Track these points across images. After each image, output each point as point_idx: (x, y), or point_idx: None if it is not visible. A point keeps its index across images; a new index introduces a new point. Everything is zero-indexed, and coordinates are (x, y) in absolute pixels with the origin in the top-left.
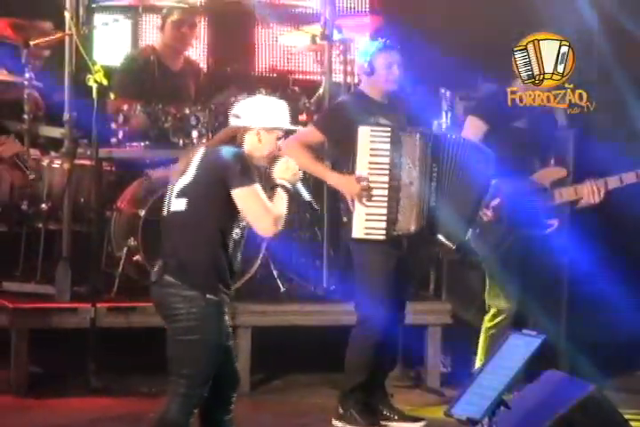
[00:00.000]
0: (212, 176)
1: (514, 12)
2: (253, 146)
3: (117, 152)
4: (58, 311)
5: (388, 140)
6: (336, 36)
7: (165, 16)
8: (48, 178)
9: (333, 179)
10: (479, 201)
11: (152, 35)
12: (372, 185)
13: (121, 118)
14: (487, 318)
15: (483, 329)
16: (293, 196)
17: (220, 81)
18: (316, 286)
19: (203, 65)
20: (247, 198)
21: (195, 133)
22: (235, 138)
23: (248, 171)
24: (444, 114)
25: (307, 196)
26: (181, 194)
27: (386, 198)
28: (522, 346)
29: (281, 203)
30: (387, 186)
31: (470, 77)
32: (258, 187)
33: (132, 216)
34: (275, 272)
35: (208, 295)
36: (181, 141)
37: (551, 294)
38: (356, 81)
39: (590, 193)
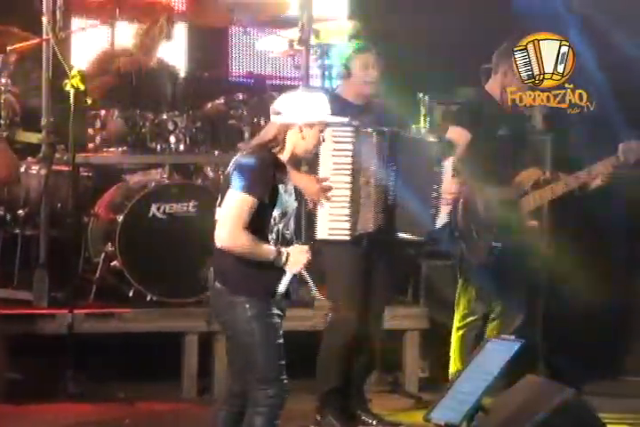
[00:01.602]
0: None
1: (492, 15)
2: (297, 142)
3: (95, 157)
4: (35, 317)
5: (350, 140)
6: (313, 40)
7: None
8: (25, 183)
9: (295, 179)
10: (437, 191)
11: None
12: (334, 185)
13: (98, 123)
14: (457, 318)
15: (454, 329)
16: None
17: (197, 86)
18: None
19: (181, 70)
20: (231, 201)
21: (172, 139)
22: (276, 136)
23: (255, 179)
24: (422, 118)
25: (281, 287)
26: (220, 202)
27: (348, 198)
28: (500, 351)
29: (256, 250)
30: (349, 186)
31: (448, 82)
32: (248, 199)
33: (110, 222)
34: None
35: (253, 297)
36: (159, 147)
37: (528, 297)
38: (334, 86)
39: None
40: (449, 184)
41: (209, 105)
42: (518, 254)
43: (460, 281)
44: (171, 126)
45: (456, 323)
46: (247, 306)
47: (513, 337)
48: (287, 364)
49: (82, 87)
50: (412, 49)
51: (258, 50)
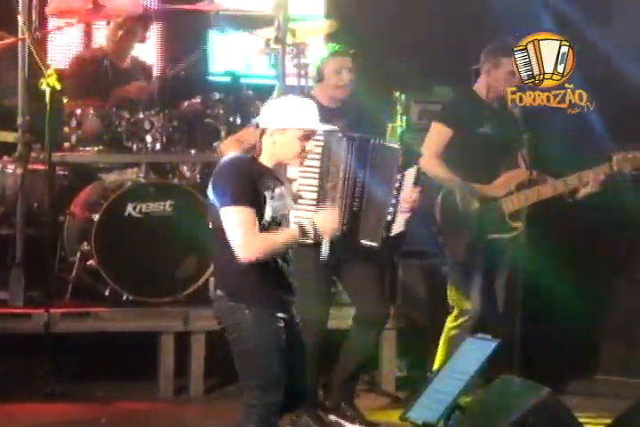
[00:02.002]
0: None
1: (470, 14)
2: (270, 148)
3: (71, 156)
4: (11, 317)
5: (320, 143)
6: (289, 39)
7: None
8: (1, 182)
9: None
10: (397, 198)
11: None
12: (301, 188)
13: (74, 122)
14: (450, 318)
15: (445, 330)
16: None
17: (174, 85)
18: None
19: (156, 69)
20: (226, 218)
21: (148, 138)
22: (254, 141)
23: (231, 188)
24: (398, 117)
25: (324, 253)
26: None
27: (314, 202)
28: (477, 350)
29: (274, 241)
30: (316, 189)
31: (424, 81)
32: (238, 209)
33: (86, 221)
34: None
35: (249, 304)
36: (135, 146)
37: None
38: (310, 84)
39: (589, 179)
40: (409, 192)
41: (185, 104)
42: (500, 253)
43: (448, 280)
44: (147, 125)
45: (449, 323)
46: (247, 311)
47: (489, 336)
48: None
49: (58, 86)
50: (387, 48)
51: (234, 49)
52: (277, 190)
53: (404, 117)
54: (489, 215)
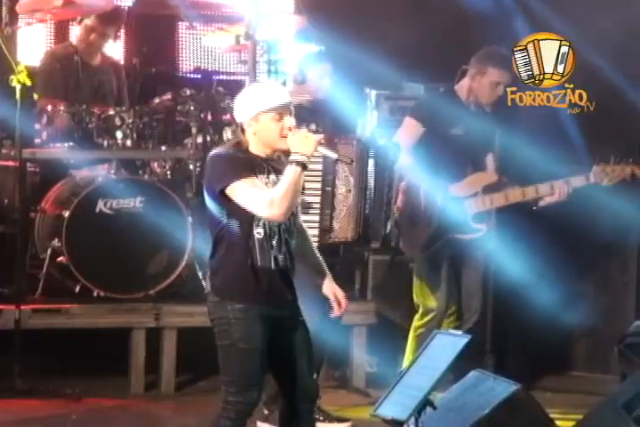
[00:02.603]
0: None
1: (443, 11)
2: (254, 140)
3: (41, 153)
4: None
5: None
6: (260, 36)
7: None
8: None
9: None
10: (388, 195)
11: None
12: (305, 191)
13: (45, 119)
14: (416, 317)
15: (412, 328)
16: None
17: (144, 82)
18: None
19: (128, 65)
20: (235, 194)
21: (119, 134)
22: (238, 137)
23: (225, 169)
24: (368, 114)
25: (331, 154)
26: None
27: (319, 205)
28: (448, 346)
29: (283, 183)
30: (319, 193)
31: (395, 77)
32: (242, 180)
33: (57, 217)
34: (199, 273)
35: (234, 300)
36: (105, 142)
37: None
38: (281, 81)
39: (559, 190)
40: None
41: (156, 100)
42: (462, 252)
43: (414, 277)
44: (118, 122)
45: (415, 322)
46: (229, 307)
47: (460, 332)
48: None
49: (28, 83)
50: (359, 44)
51: (204, 45)
52: (272, 177)
53: (375, 113)
54: (452, 214)
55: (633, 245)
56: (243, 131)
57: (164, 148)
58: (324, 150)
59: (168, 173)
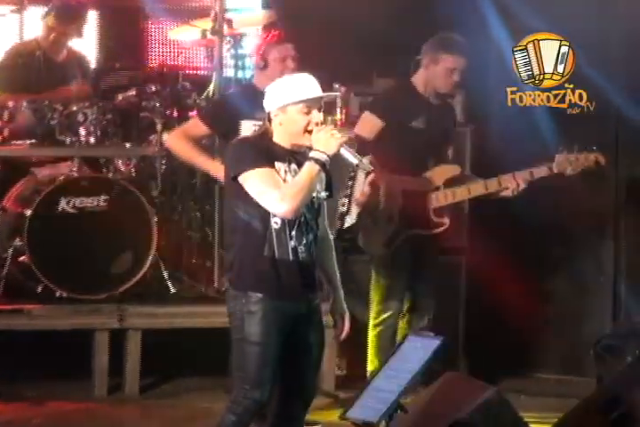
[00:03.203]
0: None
1: (412, 7)
2: (279, 130)
3: (2, 150)
4: None
5: None
6: (227, 30)
7: (45, 14)
8: None
9: (213, 167)
10: (351, 189)
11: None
12: None
13: (6, 115)
14: (372, 315)
15: (370, 327)
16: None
17: (109, 77)
18: (206, 288)
19: (92, 60)
20: (247, 184)
21: (82, 131)
22: (261, 128)
23: (242, 157)
24: (337, 110)
25: (352, 159)
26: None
27: None
28: (420, 348)
29: (298, 179)
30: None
31: (365, 72)
32: (256, 170)
33: (18, 216)
34: (165, 273)
35: (249, 292)
36: (68, 139)
37: (448, 295)
38: (248, 76)
39: (516, 183)
40: (362, 184)
41: (120, 97)
42: (422, 249)
43: (372, 274)
44: (81, 118)
45: (371, 320)
46: (244, 301)
47: (432, 334)
48: (199, 361)
49: None
50: (328, 39)
51: (170, 40)
52: (294, 166)
53: (344, 110)
54: (412, 209)
55: (608, 244)
56: (270, 120)
57: (128, 145)
58: (346, 153)
59: (133, 170)
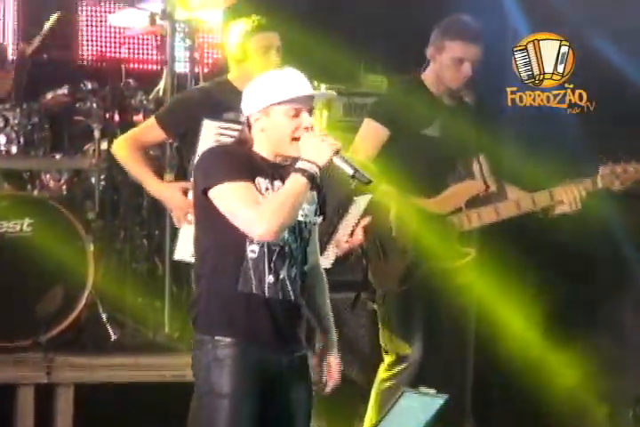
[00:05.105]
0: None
1: None
2: (261, 138)
3: None
4: None
5: None
6: (180, 14)
7: None
8: None
9: (153, 187)
10: (334, 225)
11: None
12: None
13: None
14: (382, 367)
15: (376, 381)
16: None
17: (34, 72)
18: (155, 333)
19: (11, 51)
20: (219, 200)
21: (2, 139)
22: (239, 136)
23: (215, 167)
24: (317, 113)
25: (348, 168)
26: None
27: None
28: (418, 408)
29: (280, 194)
30: None
31: (351, 68)
32: (231, 184)
33: None
34: (103, 315)
35: (217, 337)
36: None
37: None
38: (206, 71)
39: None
40: (351, 224)
41: (49, 96)
42: (442, 287)
43: (380, 318)
44: (0, 123)
45: (381, 373)
46: (210, 346)
47: (434, 391)
48: (146, 422)
49: None
50: (309, 30)
51: (111, 26)
52: (277, 183)
53: (325, 113)
54: (431, 237)
55: None
56: (249, 126)
57: (58, 156)
58: (340, 162)
59: (64, 187)
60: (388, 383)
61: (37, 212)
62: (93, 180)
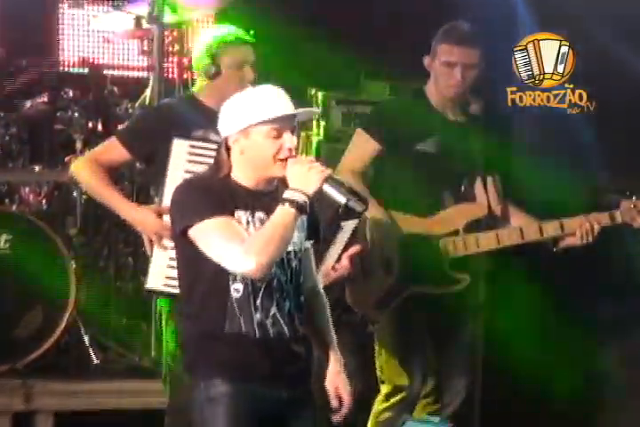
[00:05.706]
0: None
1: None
2: (241, 161)
3: None
4: None
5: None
6: (168, 18)
7: None
8: None
9: (125, 211)
10: None
11: None
12: None
13: None
14: (379, 398)
15: (372, 414)
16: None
17: (12, 78)
18: (141, 357)
19: None
20: (200, 239)
21: None
22: (216, 158)
23: (191, 204)
24: (314, 123)
25: (339, 197)
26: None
27: None
28: None
29: (267, 228)
30: None
31: (350, 75)
32: (210, 221)
33: None
34: (85, 338)
35: (208, 379)
36: None
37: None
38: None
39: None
40: (338, 252)
41: (27, 104)
42: (440, 311)
43: (376, 344)
44: None
45: (378, 404)
46: (202, 386)
47: (438, 419)
48: None
49: None
50: (305, 35)
51: (94, 30)
52: (259, 214)
53: (323, 123)
54: (421, 260)
55: None
56: (227, 149)
57: (38, 168)
58: (330, 190)
59: (44, 202)
60: (385, 415)
61: (15, 227)
62: (75, 193)
